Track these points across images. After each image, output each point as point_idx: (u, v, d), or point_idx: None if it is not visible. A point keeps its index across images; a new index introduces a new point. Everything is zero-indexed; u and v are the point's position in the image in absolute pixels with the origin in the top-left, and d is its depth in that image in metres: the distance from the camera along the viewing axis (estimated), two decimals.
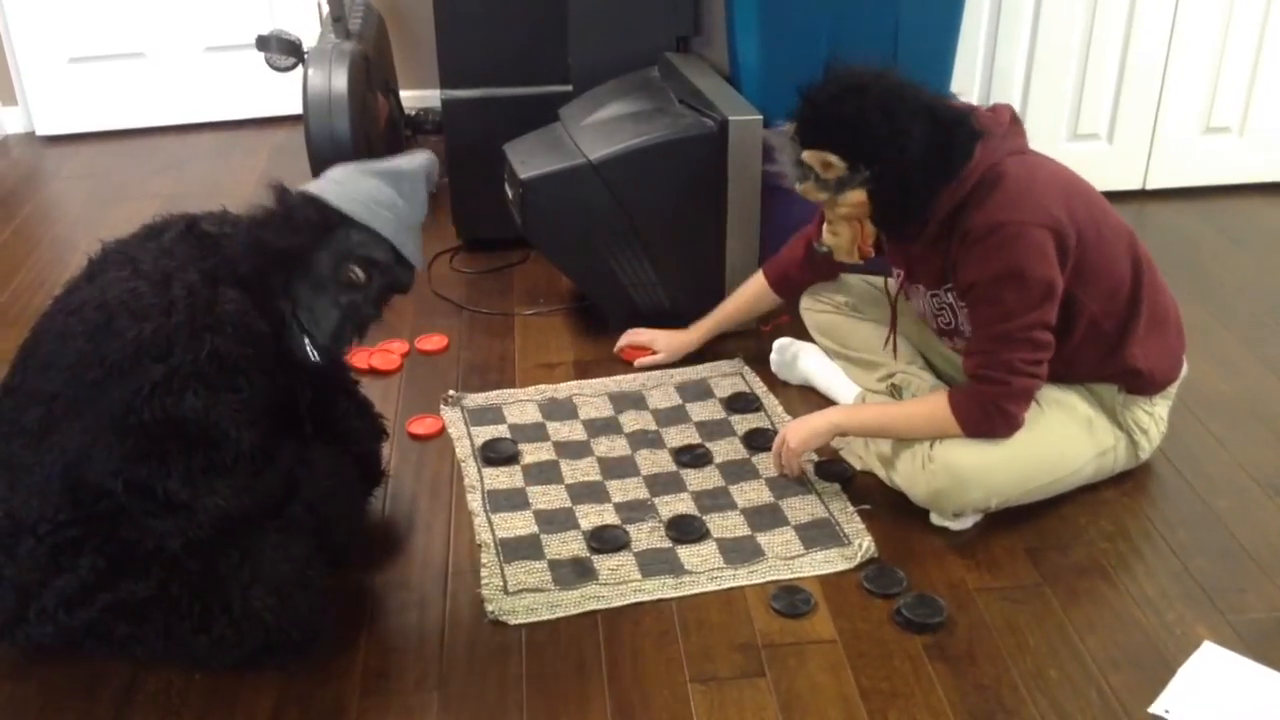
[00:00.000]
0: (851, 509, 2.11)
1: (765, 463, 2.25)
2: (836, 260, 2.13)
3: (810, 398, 2.49)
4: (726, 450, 2.31)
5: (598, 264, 2.68)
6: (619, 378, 2.56)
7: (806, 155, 1.97)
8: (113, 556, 1.70)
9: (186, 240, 1.80)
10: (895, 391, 2.26)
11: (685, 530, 2.06)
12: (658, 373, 2.57)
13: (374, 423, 2.15)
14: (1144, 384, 2.11)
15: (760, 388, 2.51)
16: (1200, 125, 3.36)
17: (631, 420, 2.40)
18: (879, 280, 2.40)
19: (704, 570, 1.98)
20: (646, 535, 2.06)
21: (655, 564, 1.99)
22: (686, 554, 2.01)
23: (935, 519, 2.09)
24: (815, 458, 2.26)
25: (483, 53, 3.02)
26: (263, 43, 3.37)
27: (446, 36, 3.00)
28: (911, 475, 2.06)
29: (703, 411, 2.44)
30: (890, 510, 2.13)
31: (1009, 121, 2.02)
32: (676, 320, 2.71)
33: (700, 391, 2.51)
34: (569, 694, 1.75)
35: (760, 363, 2.60)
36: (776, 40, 2.74)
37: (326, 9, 3.38)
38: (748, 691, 1.74)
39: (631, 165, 2.59)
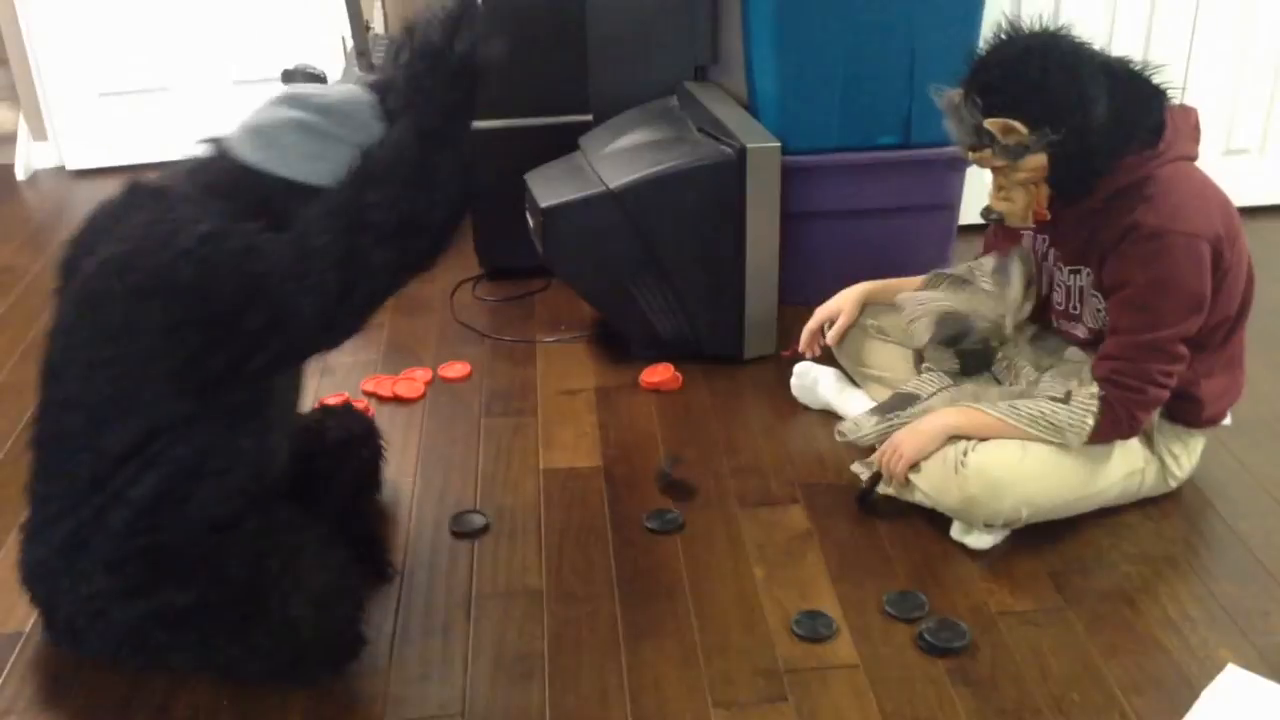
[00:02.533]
0: None
1: None
2: (1009, 226, 2.07)
3: (831, 422, 2.49)
4: None
5: (618, 291, 2.70)
6: None
7: (989, 122, 1.91)
8: (155, 564, 1.72)
9: (137, 196, 1.76)
10: None
11: None
12: None
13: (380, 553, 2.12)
14: (1193, 415, 2.10)
15: None
16: (1220, 147, 3.36)
17: None
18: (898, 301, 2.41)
19: None
20: None
21: None
22: None
23: (955, 533, 2.09)
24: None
25: (503, 83, 3.05)
26: (288, 76, 3.41)
27: None
28: (942, 482, 2.04)
29: None
30: (912, 533, 2.13)
31: (1193, 125, 2.01)
32: (698, 347, 2.74)
33: None
34: None
35: (781, 387, 2.62)
36: (793, 68, 2.77)
37: (350, 43, 3.43)
38: (770, 717, 1.74)
39: (651, 193, 2.62)
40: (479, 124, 3.06)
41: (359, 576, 1.83)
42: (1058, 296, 2.15)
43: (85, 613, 1.75)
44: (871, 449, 2.26)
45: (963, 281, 2.33)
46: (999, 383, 2.23)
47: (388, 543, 2.15)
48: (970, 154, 1.98)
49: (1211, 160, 3.41)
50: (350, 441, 2.16)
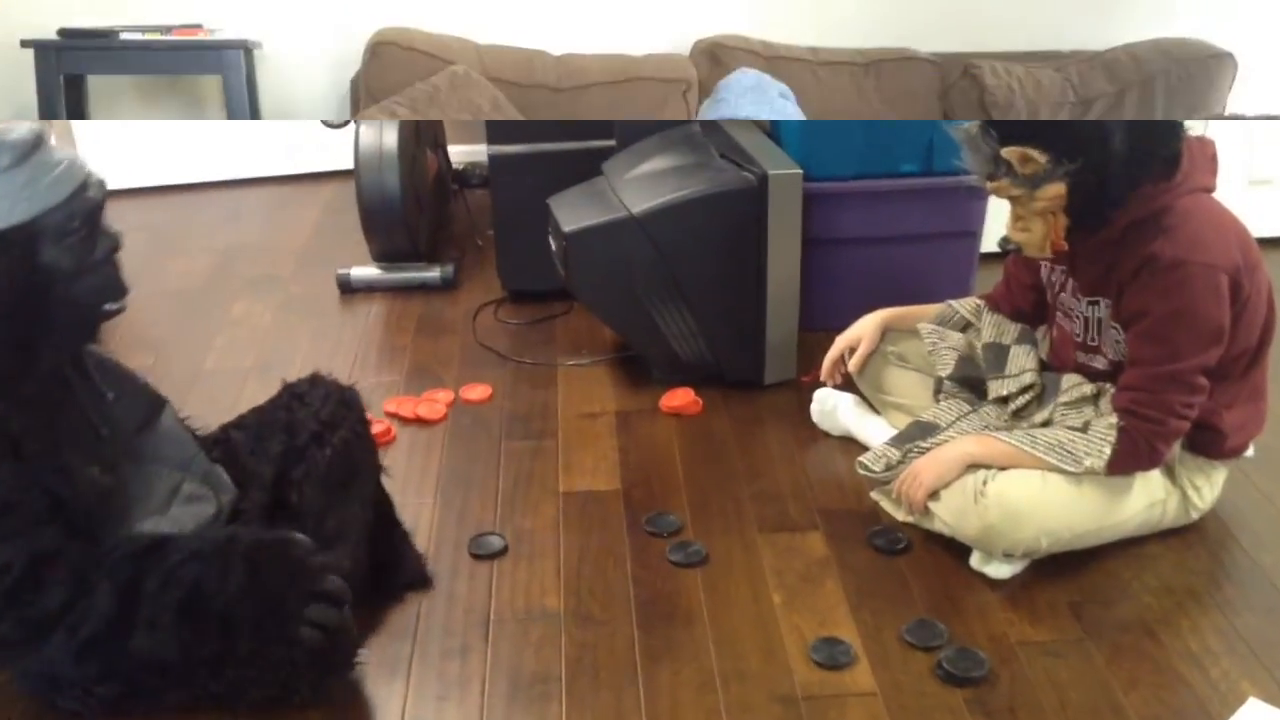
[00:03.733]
0: None
1: None
2: (1027, 256, 2.08)
3: (851, 448, 2.49)
4: None
5: (640, 315, 2.71)
6: None
7: (1006, 151, 1.91)
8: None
9: None
10: None
11: None
12: None
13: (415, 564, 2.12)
14: (1215, 446, 2.09)
15: None
16: (1243, 178, 3.35)
17: None
18: (923, 330, 2.41)
19: None
20: None
21: None
22: None
23: (975, 562, 2.08)
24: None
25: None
26: None
27: None
28: (961, 510, 2.04)
29: None
30: (931, 562, 2.12)
31: (1210, 157, 2.02)
32: (718, 372, 2.74)
33: None
34: None
35: (801, 412, 2.63)
36: None
37: None
38: None
39: (673, 218, 2.63)
40: (504, 149, 3.13)
41: (330, 589, 1.74)
42: (1076, 327, 2.15)
43: (74, 698, 1.75)
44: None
45: (969, 325, 2.37)
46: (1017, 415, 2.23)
47: (406, 544, 2.14)
48: (988, 183, 1.99)
49: (1234, 191, 3.39)
50: (322, 432, 1.96)
